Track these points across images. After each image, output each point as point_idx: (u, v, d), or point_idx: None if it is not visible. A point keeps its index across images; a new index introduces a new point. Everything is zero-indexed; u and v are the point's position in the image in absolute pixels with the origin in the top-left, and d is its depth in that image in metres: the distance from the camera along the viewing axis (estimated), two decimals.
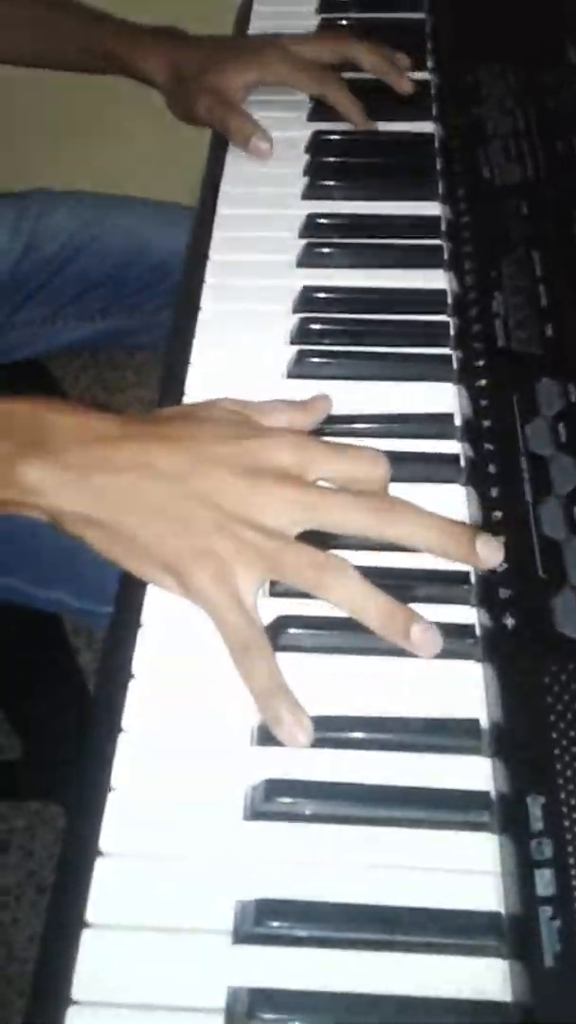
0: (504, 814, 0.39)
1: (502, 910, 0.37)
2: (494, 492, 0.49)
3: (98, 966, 0.37)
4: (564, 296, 0.56)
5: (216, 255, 0.66)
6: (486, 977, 0.36)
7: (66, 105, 1.34)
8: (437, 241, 0.65)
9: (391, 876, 0.38)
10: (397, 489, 0.49)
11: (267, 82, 0.75)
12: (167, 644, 0.46)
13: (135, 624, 0.46)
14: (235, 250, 0.67)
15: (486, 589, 0.45)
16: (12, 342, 0.92)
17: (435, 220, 0.67)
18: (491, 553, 0.46)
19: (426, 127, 0.74)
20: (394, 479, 0.49)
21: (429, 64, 0.80)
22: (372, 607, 0.44)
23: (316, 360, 0.58)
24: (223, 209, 0.70)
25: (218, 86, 0.74)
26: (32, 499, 0.46)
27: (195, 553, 0.44)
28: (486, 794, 0.40)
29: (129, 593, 0.48)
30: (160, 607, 0.47)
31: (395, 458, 0.50)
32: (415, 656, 0.44)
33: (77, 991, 0.36)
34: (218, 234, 0.68)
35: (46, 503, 0.46)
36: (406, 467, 0.51)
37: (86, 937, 0.37)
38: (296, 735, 0.41)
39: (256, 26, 0.85)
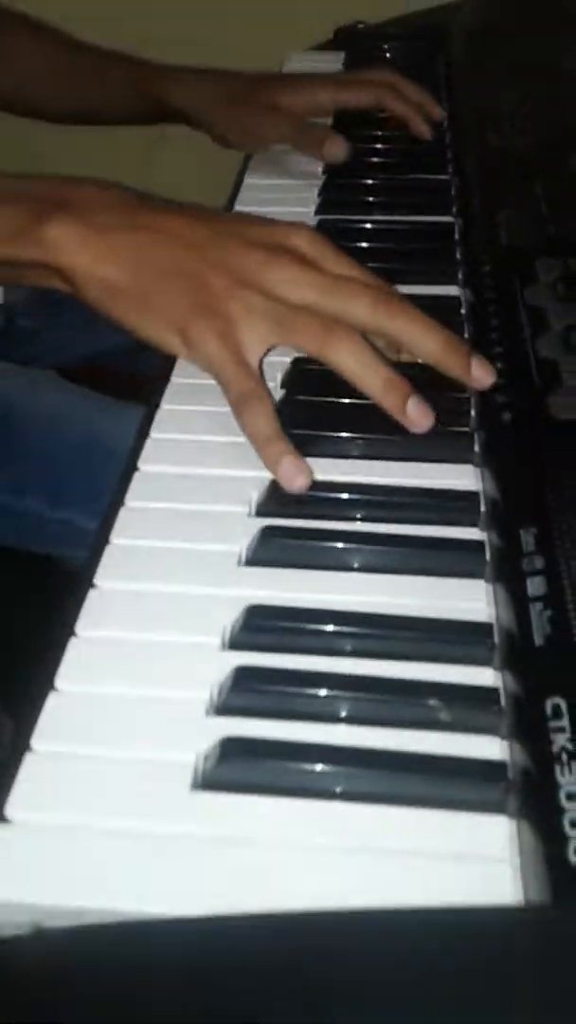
0: (498, 546, 0.39)
1: (493, 621, 0.37)
2: (494, 336, 0.51)
3: (83, 664, 0.37)
4: (566, 208, 0.61)
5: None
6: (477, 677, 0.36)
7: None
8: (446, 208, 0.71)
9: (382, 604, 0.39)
10: None
11: (321, 107, 0.79)
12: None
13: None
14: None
15: (485, 398, 0.47)
16: (52, 345, 0.97)
17: (445, 184, 0.73)
18: (484, 374, 0.48)
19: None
20: None
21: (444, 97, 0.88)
22: (376, 374, 0.45)
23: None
24: (249, 178, 0.77)
25: (274, 102, 0.78)
26: (53, 257, 0.47)
27: (203, 309, 0.46)
28: (480, 542, 0.41)
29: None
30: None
31: None
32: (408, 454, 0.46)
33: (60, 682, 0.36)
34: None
35: (66, 261, 0.47)
36: None
37: (74, 643, 0.37)
38: (294, 477, 0.43)
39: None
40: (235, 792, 0.32)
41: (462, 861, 0.30)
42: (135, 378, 1.02)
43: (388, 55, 0.94)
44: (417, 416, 0.45)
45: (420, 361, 0.49)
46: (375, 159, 0.78)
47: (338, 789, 0.32)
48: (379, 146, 0.79)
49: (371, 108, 0.79)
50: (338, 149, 0.75)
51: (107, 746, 0.34)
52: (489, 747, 0.33)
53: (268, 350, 0.48)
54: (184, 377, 0.51)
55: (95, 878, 0.30)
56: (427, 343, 0.48)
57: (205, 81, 0.82)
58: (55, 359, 0.97)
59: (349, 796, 0.32)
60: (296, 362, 0.51)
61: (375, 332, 0.48)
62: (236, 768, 0.32)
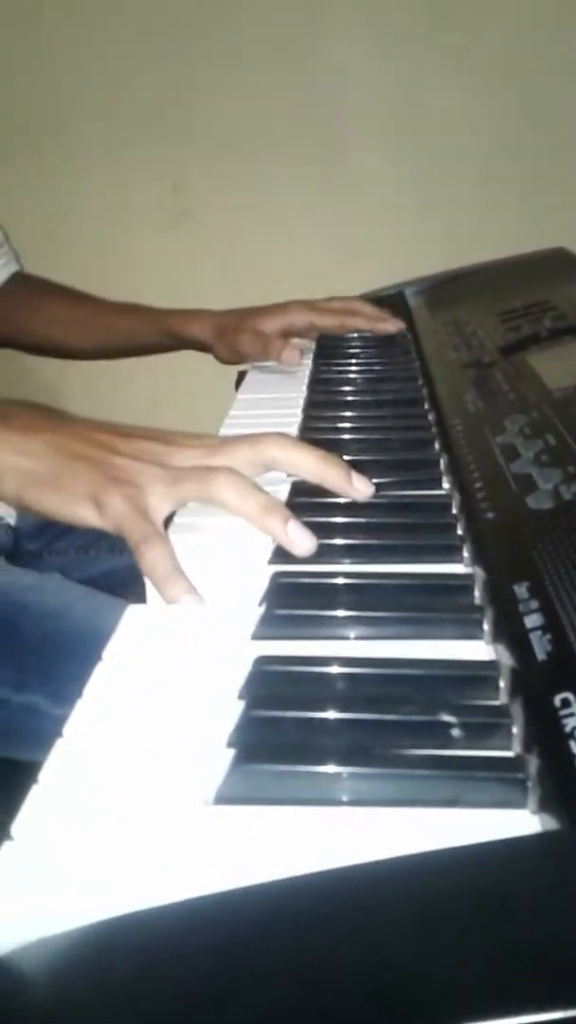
0: (493, 600, 0.41)
1: (496, 657, 0.38)
2: (472, 466, 0.56)
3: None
4: (519, 384, 0.68)
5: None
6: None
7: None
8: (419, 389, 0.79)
9: None
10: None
11: (294, 326, 0.97)
12: None
13: None
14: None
15: (469, 505, 0.51)
16: (53, 567, 1.01)
17: (418, 387, 0.81)
18: (364, 485, 0.54)
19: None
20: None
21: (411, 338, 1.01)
22: (254, 502, 0.49)
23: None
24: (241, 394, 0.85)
25: (256, 328, 0.96)
26: None
27: (112, 481, 0.50)
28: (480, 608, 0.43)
29: None
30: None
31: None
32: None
33: None
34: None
35: None
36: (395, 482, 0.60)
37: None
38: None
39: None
40: (248, 804, 0.31)
41: None
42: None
43: None
44: (297, 537, 0.48)
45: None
46: (354, 375, 0.87)
47: (356, 795, 0.32)
48: (358, 364, 0.89)
49: (337, 331, 0.97)
50: (293, 357, 0.91)
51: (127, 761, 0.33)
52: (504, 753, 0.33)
53: (172, 511, 0.52)
54: None
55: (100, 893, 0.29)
56: (305, 462, 0.53)
57: (211, 317, 1.02)
58: None
59: (365, 801, 0.32)
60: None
61: (261, 466, 0.53)
62: (251, 775, 0.32)
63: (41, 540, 1.03)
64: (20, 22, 1.42)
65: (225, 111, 1.43)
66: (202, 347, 1.02)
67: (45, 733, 0.78)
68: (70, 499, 0.51)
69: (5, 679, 0.75)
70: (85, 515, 0.51)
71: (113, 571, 1.06)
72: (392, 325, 0.97)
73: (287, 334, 0.97)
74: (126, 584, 0.98)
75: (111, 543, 1.06)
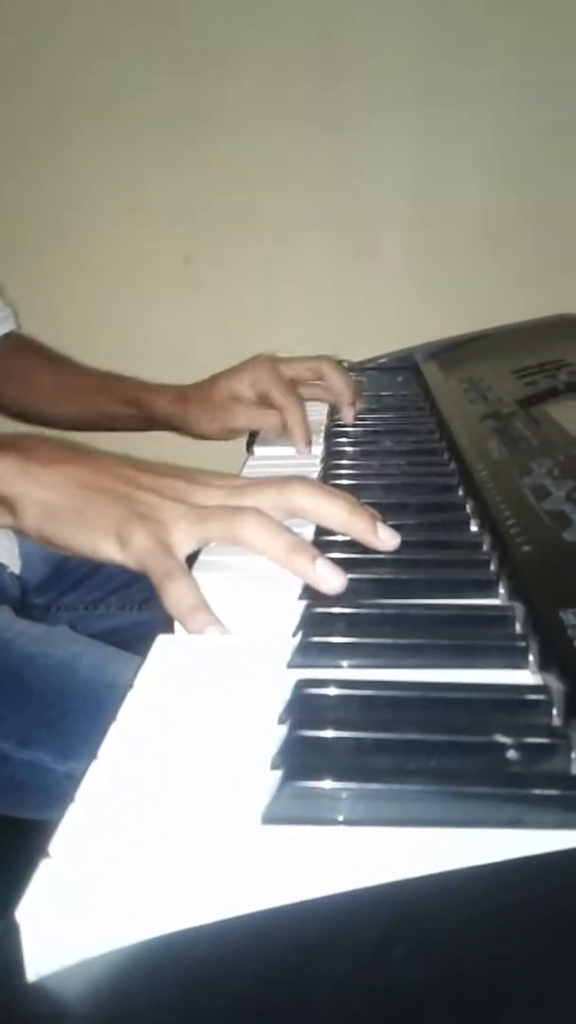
0: (539, 628, 0.40)
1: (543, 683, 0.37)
2: (502, 504, 0.55)
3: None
4: (541, 432, 0.68)
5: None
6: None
7: None
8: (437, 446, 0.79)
9: None
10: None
11: (257, 385, 0.89)
12: None
13: None
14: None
15: (503, 541, 0.50)
16: (60, 622, 0.99)
17: (436, 438, 0.81)
18: (389, 535, 0.51)
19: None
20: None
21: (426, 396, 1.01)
22: (280, 542, 0.48)
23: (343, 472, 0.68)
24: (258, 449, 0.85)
25: (231, 392, 0.90)
26: None
27: (136, 516, 0.49)
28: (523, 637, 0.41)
29: None
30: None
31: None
32: None
33: None
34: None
35: (7, 488, 0.51)
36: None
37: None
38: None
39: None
40: (297, 823, 0.30)
41: None
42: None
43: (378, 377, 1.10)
44: (326, 575, 0.47)
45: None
46: (369, 427, 0.87)
47: (409, 815, 0.30)
48: (372, 417, 0.90)
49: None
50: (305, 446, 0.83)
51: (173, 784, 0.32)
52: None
53: (195, 550, 0.50)
54: None
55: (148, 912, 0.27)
56: (333, 513, 0.51)
57: (170, 389, 0.95)
58: None
59: (419, 821, 0.30)
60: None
61: (287, 512, 0.51)
62: (300, 794, 0.30)
63: (49, 595, 1.01)
64: (44, 107, 1.47)
65: (235, 187, 1.47)
66: (172, 427, 0.95)
67: (51, 791, 0.76)
68: (92, 533, 0.50)
69: (8, 734, 0.72)
70: (107, 550, 0.50)
71: (122, 627, 1.04)
72: (349, 413, 0.90)
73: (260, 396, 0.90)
74: (135, 641, 0.96)
75: (120, 598, 1.04)
